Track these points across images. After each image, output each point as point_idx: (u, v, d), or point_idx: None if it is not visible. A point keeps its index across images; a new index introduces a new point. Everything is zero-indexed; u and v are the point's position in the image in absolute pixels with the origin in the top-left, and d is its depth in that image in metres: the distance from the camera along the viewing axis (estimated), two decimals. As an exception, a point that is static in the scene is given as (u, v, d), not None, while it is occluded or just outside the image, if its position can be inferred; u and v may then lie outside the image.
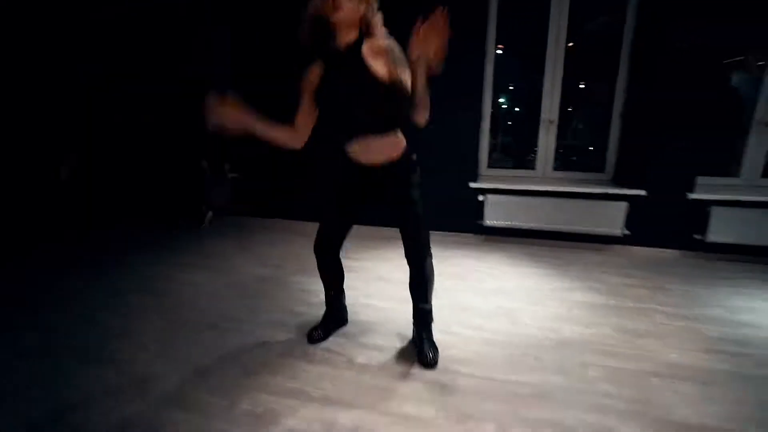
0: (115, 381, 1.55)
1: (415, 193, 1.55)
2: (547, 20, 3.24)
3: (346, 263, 1.87)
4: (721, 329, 1.92)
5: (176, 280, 2.56)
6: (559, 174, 3.45)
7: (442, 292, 2.25)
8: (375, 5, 1.35)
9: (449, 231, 3.45)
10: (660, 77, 2.87)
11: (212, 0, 3.82)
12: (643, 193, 2.97)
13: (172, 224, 4.05)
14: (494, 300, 2.26)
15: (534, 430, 1.28)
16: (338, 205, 1.65)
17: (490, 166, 3.64)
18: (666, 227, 3.02)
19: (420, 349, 1.69)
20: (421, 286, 1.69)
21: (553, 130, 3.38)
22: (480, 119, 3.41)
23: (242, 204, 4.15)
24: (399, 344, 1.81)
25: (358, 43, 1.35)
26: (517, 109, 4.06)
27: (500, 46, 3.46)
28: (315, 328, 1.86)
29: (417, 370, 1.61)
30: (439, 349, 1.70)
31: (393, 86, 1.32)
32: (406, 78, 1.31)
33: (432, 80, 1.27)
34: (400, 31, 1.36)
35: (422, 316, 1.74)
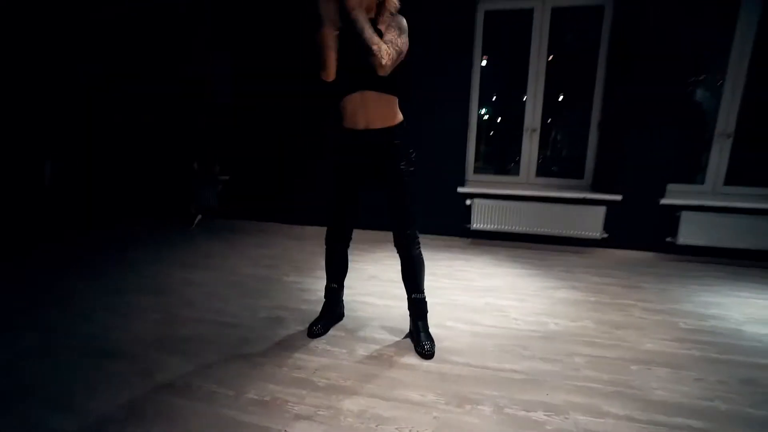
0: (119, 372, 1.57)
1: (406, 169, 1.66)
2: (530, 34, 3.44)
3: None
4: (692, 321, 2.09)
5: (174, 279, 2.58)
6: (542, 180, 3.63)
7: (435, 291, 2.35)
8: None
9: (438, 234, 3.57)
10: (631, 92, 3.09)
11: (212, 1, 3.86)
12: (619, 198, 3.17)
13: (161, 225, 4.02)
14: (484, 298, 2.37)
15: (527, 410, 1.38)
16: (341, 186, 1.75)
17: (474, 173, 3.80)
18: (641, 230, 3.22)
19: (417, 341, 1.78)
20: (411, 274, 1.79)
21: (536, 139, 3.57)
22: (467, 127, 3.57)
23: (232, 206, 4.16)
24: (396, 338, 1.88)
25: (374, 19, 1.54)
26: (498, 119, 4.23)
27: (484, 56, 3.65)
28: (315, 323, 1.92)
29: (415, 361, 1.69)
30: (435, 341, 1.79)
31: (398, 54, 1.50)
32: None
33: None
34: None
35: (417, 306, 1.83)
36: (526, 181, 3.65)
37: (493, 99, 4.10)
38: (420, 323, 1.83)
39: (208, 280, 2.57)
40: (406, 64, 1.60)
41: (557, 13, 3.40)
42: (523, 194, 3.37)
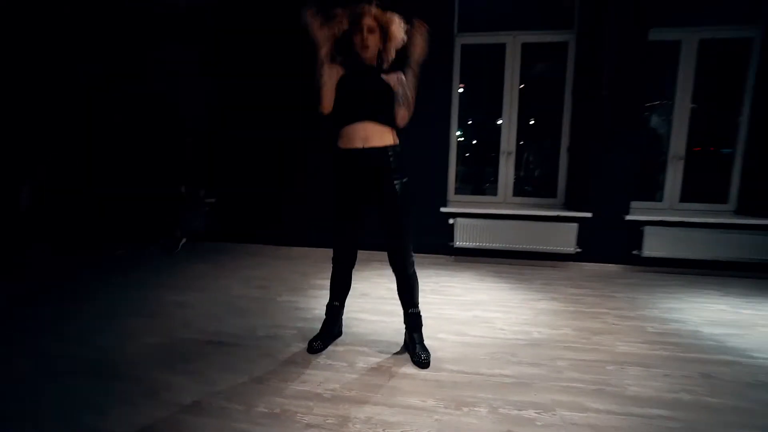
0: (126, 393, 1.60)
1: (400, 189, 1.80)
2: (503, 65, 3.75)
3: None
4: (657, 325, 2.31)
5: (167, 301, 2.59)
6: (518, 199, 3.88)
7: (425, 306, 2.45)
8: (395, 22, 1.74)
9: (424, 252, 3.73)
10: (595, 118, 3.42)
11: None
12: (589, 215, 3.44)
13: (144, 249, 3.98)
14: (471, 311, 2.52)
15: (519, 409, 1.52)
16: (342, 207, 1.87)
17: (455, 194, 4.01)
18: (610, 245, 3.49)
19: (413, 352, 1.89)
20: (407, 291, 1.92)
21: (512, 161, 3.84)
22: (447, 150, 3.80)
23: (218, 229, 4.19)
24: (393, 350, 1.99)
25: (378, 63, 1.78)
26: (474, 141, 4.50)
27: (461, 85, 3.93)
28: (315, 339, 2.00)
29: (413, 370, 1.80)
30: (430, 352, 1.91)
31: (398, 96, 1.72)
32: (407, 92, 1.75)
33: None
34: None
35: (413, 319, 1.95)
36: (504, 200, 3.89)
37: (469, 123, 4.38)
38: (416, 335, 1.94)
39: (201, 302, 2.60)
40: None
41: (527, 47, 3.73)
42: (501, 213, 3.59)
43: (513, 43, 3.71)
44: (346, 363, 1.86)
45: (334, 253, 1.97)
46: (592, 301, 2.71)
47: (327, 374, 1.76)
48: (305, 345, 2.00)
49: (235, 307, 2.53)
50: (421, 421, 1.44)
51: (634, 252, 3.43)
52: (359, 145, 1.77)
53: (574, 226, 3.44)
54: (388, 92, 1.74)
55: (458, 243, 3.65)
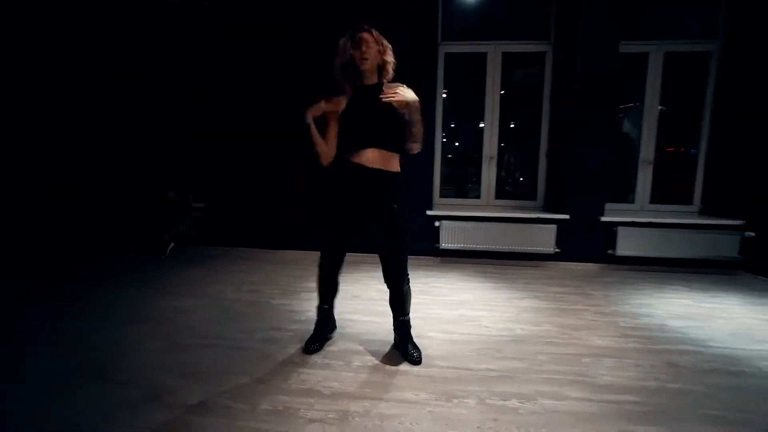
0: (131, 396, 1.66)
1: (397, 211, 1.91)
2: (484, 72, 3.92)
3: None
4: (629, 320, 2.50)
5: (164, 307, 2.64)
6: (500, 202, 4.06)
7: (414, 307, 2.56)
8: (389, 53, 1.87)
9: (411, 255, 3.84)
10: (572, 124, 3.62)
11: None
12: (567, 217, 3.64)
13: (132, 253, 3.98)
14: (458, 310, 2.66)
15: (504, 400, 1.65)
16: (341, 217, 1.96)
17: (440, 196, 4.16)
18: (586, 245, 3.70)
19: (405, 350, 2.01)
20: (399, 303, 2.03)
21: (494, 165, 4.01)
22: (433, 155, 3.94)
23: (207, 233, 4.21)
24: (386, 349, 2.11)
25: (378, 83, 1.87)
26: (456, 144, 4.65)
27: (445, 90, 4.08)
28: (311, 341, 2.09)
29: (406, 367, 1.92)
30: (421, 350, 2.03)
31: (401, 118, 1.80)
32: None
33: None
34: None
35: (402, 326, 2.06)
36: (487, 203, 4.06)
37: (452, 126, 4.53)
38: (405, 336, 2.06)
39: (197, 307, 2.66)
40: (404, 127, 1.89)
41: (507, 56, 3.91)
42: (484, 215, 3.76)
43: (494, 52, 3.89)
44: (343, 362, 1.96)
45: (321, 257, 2.02)
46: (571, 298, 2.89)
47: (325, 373, 1.86)
48: (302, 346, 2.10)
49: (232, 311, 2.60)
50: (415, 413, 1.57)
51: (609, 251, 3.65)
52: (366, 165, 1.88)
53: (553, 227, 3.63)
54: (391, 118, 1.81)
55: (444, 245, 3.80)
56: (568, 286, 3.16)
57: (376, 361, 1.97)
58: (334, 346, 2.13)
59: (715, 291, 3.09)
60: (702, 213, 3.80)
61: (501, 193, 4.13)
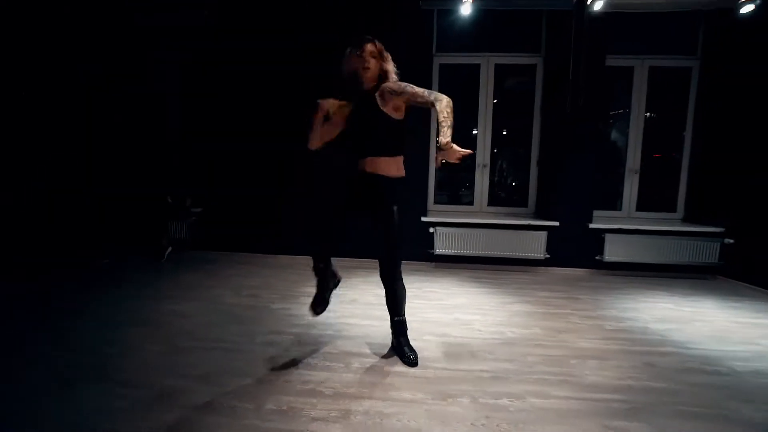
0: (140, 399, 1.73)
1: (395, 209, 2.01)
2: (478, 82, 4.05)
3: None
4: (614, 323, 2.63)
5: (164, 311, 2.70)
6: (493, 209, 4.19)
7: (410, 311, 2.65)
8: (389, 62, 1.99)
9: (406, 260, 3.96)
10: (562, 133, 3.76)
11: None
12: (557, 224, 3.77)
13: (130, 258, 4.02)
14: (452, 314, 2.76)
15: (496, 399, 1.76)
16: (341, 204, 2.06)
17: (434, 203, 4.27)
18: (575, 251, 3.84)
19: (401, 353, 2.11)
20: (394, 301, 2.12)
21: (487, 172, 4.14)
22: (428, 163, 4.05)
23: (205, 238, 4.27)
24: (383, 351, 2.20)
25: (376, 86, 1.96)
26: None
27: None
28: (316, 302, 2.15)
29: (403, 369, 2.02)
30: (417, 352, 2.13)
31: (398, 123, 1.94)
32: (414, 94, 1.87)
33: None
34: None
35: (398, 326, 2.16)
36: (480, 210, 4.18)
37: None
38: (402, 339, 2.16)
39: (197, 311, 2.72)
40: (404, 129, 2.01)
41: (500, 67, 4.05)
42: (477, 222, 3.88)
43: (487, 63, 4.02)
44: (343, 364, 2.05)
45: (313, 252, 2.10)
46: (559, 303, 3.01)
47: (326, 374, 1.95)
48: (303, 349, 2.18)
49: (231, 315, 2.67)
50: (412, 411, 1.66)
51: (597, 257, 3.79)
52: (369, 170, 2.00)
53: (544, 234, 3.76)
54: (389, 126, 1.94)
55: (438, 250, 3.91)
56: (558, 291, 3.28)
57: (375, 363, 2.07)
58: (333, 349, 2.21)
59: (695, 295, 3.24)
60: (685, 220, 3.97)
61: (493, 200, 4.25)
